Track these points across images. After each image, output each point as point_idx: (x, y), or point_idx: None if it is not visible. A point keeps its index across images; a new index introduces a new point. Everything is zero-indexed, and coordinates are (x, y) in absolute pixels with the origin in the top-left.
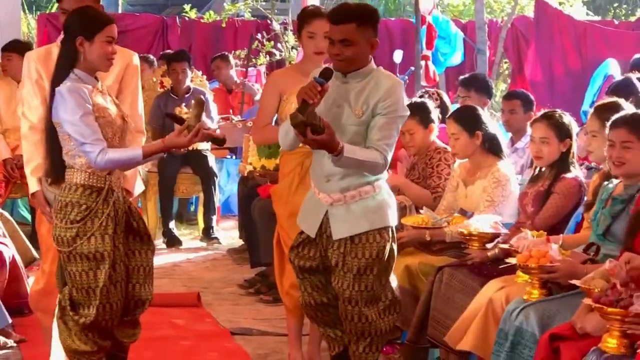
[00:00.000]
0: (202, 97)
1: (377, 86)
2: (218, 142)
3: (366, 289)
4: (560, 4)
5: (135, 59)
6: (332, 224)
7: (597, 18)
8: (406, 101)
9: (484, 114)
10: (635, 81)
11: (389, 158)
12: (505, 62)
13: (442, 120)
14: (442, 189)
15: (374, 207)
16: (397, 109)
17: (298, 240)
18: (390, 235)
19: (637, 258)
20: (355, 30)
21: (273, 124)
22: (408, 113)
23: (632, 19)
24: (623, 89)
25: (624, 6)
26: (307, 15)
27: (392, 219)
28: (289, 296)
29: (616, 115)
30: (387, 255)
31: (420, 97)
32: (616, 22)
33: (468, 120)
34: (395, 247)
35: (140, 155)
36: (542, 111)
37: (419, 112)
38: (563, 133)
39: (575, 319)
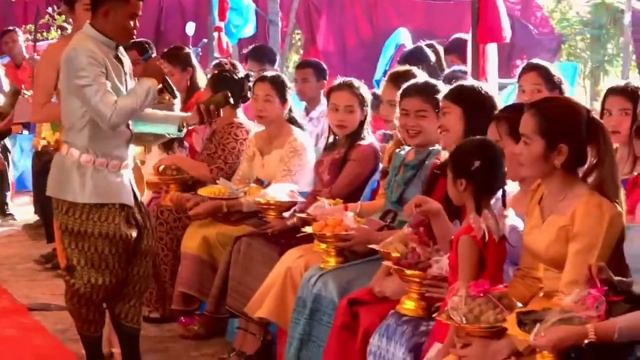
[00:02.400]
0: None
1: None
2: None
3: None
4: None
5: None
6: (134, 187)
7: None
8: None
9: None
10: (426, 49)
11: None
12: (298, 33)
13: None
14: (222, 160)
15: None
16: None
17: (121, 216)
18: None
19: (430, 201)
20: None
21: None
22: None
23: None
24: (414, 57)
25: None
26: None
27: None
28: None
29: (406, 84)
30: None
31: (216, 66)
32: None
33: (281, 87)
34: None
35: None
36: (340, 80)
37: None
38: (363, 102)
39: (373, 283)
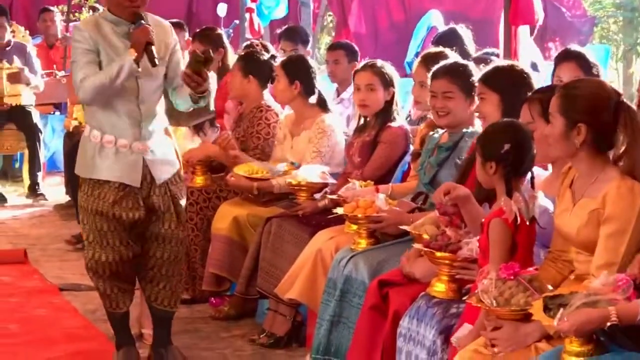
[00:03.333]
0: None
1: (160, 27)
2: None
3: (184, 228)
4: None
5: None
6: (153, 170)
7: None
8: None
9: (313, 66)
10: (460, 32)
11: None
12: (330, 15)
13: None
14: (260, 149)
15: (171, 150)
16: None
17: (118, 195)
18: None
19: (458, 187)
20: None
21: None
22: None
23: None
24: (448, 39)
25: None
26: None
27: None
28: None
29: (436, 66)
30: None
31: (246, 47)
32: None
33: (291, 68)
34: None
35: None
36: (364, 61)
37: (244, 62)
38: (387, 81)
39: (404, 261)
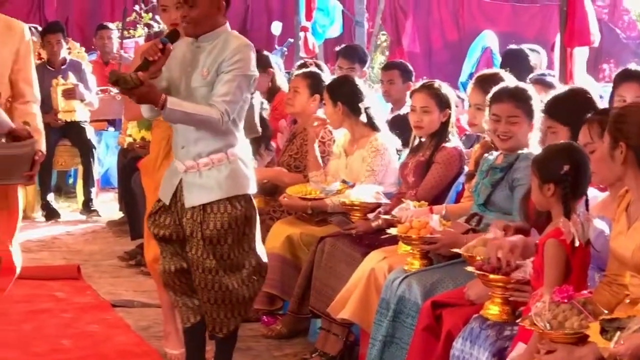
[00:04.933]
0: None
1: (225, 46)
2: None
3: (222, 258)
4: None
5: (27, 31)
6: (185, 192)
7: None
8: None
9: (360, 85)
10: (527, 51)
11: (230, 115)
12: (384, 34)
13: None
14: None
15: (227, 175)
16: (242, 66)
17: (155, 208)
18: (244, 203)
19: (517, 246)
20: None
21: None
22: (257, 74)
23: None
24: (515, 57)
25: None
26: None
27: (249, 187)
28: (153, 269)
29: (497, 88)
30: (242, 223)
31: (300, 66)
32: None
33: (333, 90)
34: (255, 213)
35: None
36: (421, 81)
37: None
38: (443, 103)
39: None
